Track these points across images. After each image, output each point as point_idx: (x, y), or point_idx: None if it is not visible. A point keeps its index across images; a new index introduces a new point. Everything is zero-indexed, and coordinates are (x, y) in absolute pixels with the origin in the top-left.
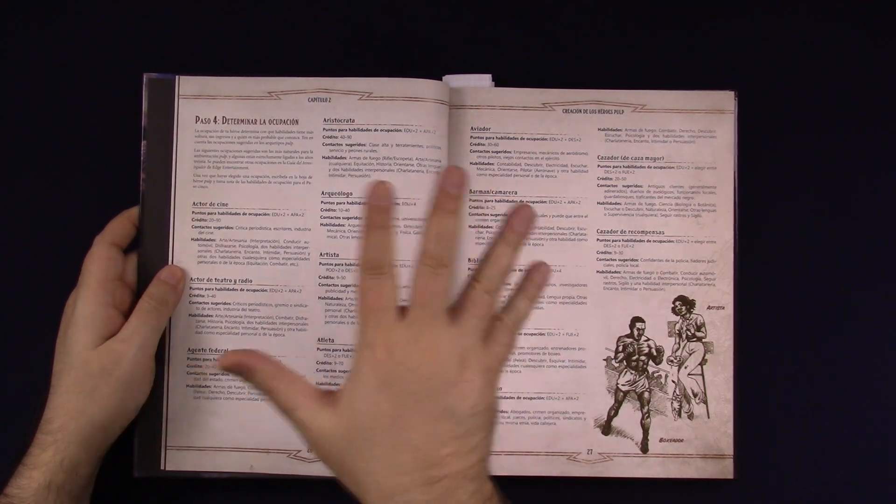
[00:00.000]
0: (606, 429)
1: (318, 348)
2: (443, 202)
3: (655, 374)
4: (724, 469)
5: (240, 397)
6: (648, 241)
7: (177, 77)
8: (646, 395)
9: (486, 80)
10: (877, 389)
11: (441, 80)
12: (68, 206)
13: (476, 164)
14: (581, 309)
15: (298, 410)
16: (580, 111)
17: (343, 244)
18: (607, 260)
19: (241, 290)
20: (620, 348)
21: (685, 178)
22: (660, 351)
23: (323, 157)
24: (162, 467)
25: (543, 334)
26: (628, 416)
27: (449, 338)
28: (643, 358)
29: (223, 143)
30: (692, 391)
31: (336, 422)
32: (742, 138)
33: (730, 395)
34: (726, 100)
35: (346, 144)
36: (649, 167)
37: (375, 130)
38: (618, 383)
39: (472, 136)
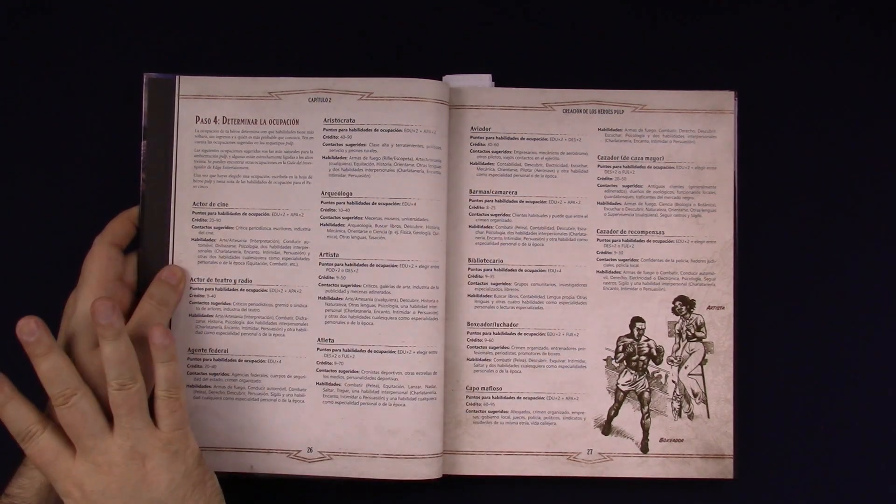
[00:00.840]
0: (606, 429)
1: (318, 348)
2: (102, 332)
3: (655, 374)
4: (724, 469)
5: (240, 397)
6: (648, 241)
7: (177, 77)
8: (646, 395)
9: (486, 80)
10: (877, 389)
11: (441, 80)
12: (68, 206)
13: (476, 164)
14: (581, 309)
15: None
16: (580, 111)
17: (343, 244)
18: (607, 260)
19: (241, 290)
20: (620, 348)
21: (685, 178)
22: (660, 351)
23: (323, 157)
24: None
25: (543, 334)
26: (628, 416)
27: (115, 447)
28: (643, 358)
29: (223, 143)
30: (692, 391)
31: None
32: (742, 138)
33: (730, 395)
34: (726, 100)
35: (346, 144)
36: (649, 167)
37: (375, 130)
38: (618, 383)
39: (472, 136)
